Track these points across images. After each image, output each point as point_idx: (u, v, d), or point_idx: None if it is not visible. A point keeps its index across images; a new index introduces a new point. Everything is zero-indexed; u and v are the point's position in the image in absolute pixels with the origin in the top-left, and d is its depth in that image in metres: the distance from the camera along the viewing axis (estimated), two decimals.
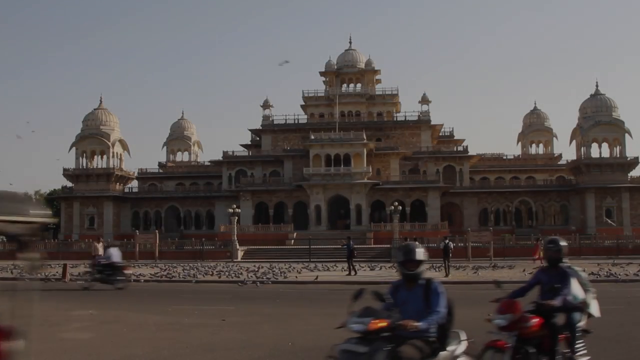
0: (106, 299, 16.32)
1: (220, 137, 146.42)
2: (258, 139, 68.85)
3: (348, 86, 69.96)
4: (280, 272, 25.39)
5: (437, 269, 26.91)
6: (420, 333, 4.52)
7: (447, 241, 26.69)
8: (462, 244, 37.46)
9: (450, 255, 25.82)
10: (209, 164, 70.79)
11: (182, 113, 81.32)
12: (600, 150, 60.17)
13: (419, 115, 65.44)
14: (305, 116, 68.63)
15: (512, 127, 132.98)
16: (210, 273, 25.47)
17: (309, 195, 57.24)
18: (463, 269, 27.60)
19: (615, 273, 23.28)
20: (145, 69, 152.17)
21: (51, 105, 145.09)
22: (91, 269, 19.83)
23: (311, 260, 34.90)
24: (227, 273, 25.17)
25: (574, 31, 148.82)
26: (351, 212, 57.10)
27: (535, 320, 5.60)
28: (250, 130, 69.84)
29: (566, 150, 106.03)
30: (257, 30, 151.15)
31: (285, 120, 67.04)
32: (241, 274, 24.91)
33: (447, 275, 23.81)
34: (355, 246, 27.67)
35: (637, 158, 59.01)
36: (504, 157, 70.07)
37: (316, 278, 22.90)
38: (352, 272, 25.03)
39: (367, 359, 4.20)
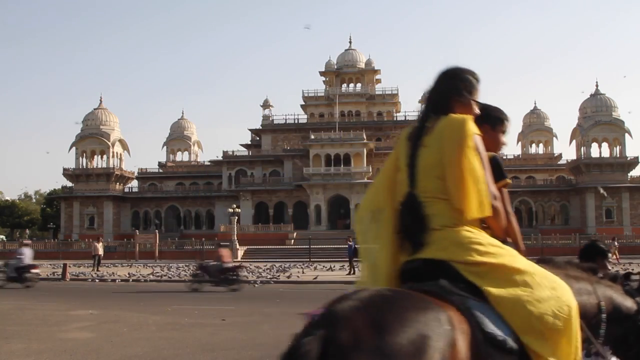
0: (106, 299, 16.32)
1: (220, 137, 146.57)
2: (258, 138, 68.84)
3: (348, 86, 69.93)
4: (284, 270, 25.42)
5: None
6: None
7: None
8: None
9: None
10: (209, 163, 70.80)
11: (182, 113, 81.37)
12: (600, 150, 60.18)
13: (418, 115, 65.31)
14: (305, 116, 68.61)
15: (512, 127, 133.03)
16: None
17: (309, 195, 57.24)
18: None
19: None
20: (145, 69, 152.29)
21: (51, 105, 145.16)
22: (6, 269, 19.86)
23: (311, 260, 34.87)
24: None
25: (574, 31, 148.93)
26: (351, 212, 57.07)
27: None
28: (250, 130, 69.87)
29: (566, 150, 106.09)
30: (257, 30, 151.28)
31: (285, 120, 67.06)
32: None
33: None
34: (356, 246, 27.74)
35: (637, 158, 58.99)
36: (504, 157, 69.97)
37: (315, 278, 22.92)
38: (352, 272, 25.05)
39: None
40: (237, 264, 19.58)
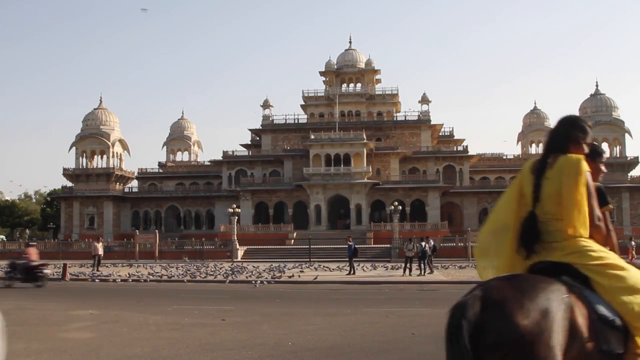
0: (106, 299, 16.32)
1: (220, 137, 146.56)
2: (258, 138, 68.82)
3: (348, 86, 69.90)
4: (284, 270, 25.37)
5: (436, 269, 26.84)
6: None
7: (430, 242, 27.07)
8: (462, 244, 37.47)
9: (427, 255, 25.79)
10: (209, 163, 70.78)
11: (182, 113, 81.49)
12: None
13: (418, 115, 65.40)
14: (305, 116, 68.58)
15: (512, 127, 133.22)
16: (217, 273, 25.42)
17: (309, 195, 57.21)
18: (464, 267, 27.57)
19: None
20: (145, 69, 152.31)
21: (51, 105, 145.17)
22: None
23: (311, 260, 34.84)
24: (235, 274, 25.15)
25: (574, 31, 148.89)
26: (351, 212, 57.07)
27: None
28: (250, 130, 69.85)
29: None
30: (257, 30, 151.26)
31: (285, 120, 67.02)
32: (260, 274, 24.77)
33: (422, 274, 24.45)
34: (356, 246, 27.71)
35: (637, 158, 58.99)
36: (504, 157, 69.96)
37: (315, 278, 22.90)
38: (352, 272, 25.05)
39: None
40: (42, 262, 20.99)
